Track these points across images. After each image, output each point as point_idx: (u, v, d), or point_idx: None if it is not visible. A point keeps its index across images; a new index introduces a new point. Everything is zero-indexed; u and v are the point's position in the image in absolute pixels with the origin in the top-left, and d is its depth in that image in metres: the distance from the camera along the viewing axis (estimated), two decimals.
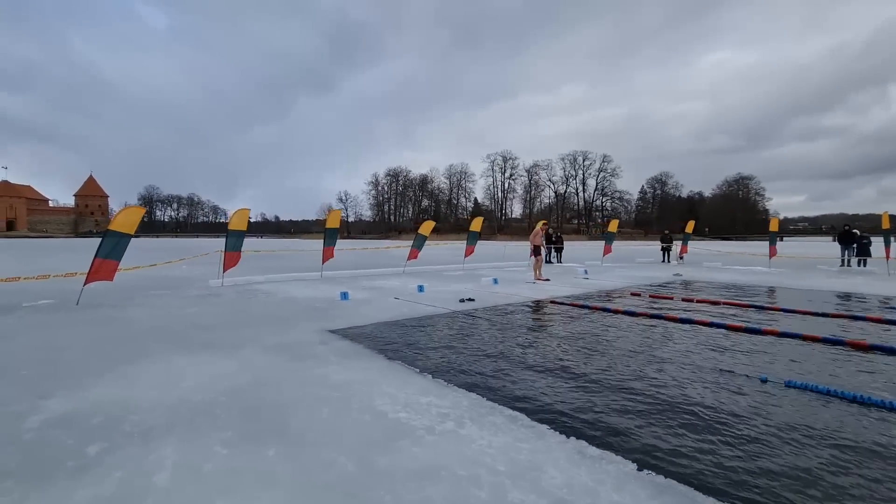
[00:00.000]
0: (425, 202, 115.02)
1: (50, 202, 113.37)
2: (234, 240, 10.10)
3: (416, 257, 13.42)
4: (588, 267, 14.79)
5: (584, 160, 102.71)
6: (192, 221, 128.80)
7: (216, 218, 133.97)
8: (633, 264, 17.57)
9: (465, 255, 14.65)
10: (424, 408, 2.93)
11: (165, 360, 4.05)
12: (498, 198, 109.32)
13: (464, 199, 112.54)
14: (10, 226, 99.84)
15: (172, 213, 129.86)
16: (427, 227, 14.23)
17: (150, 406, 2.95)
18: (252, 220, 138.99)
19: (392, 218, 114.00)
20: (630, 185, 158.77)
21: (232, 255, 10.08)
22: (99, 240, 7.58)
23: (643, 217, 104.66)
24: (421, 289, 9.05)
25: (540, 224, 12.74)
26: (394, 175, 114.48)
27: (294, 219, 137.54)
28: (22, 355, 4.22)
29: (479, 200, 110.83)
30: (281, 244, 44.06)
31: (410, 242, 13.81)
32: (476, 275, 12.51)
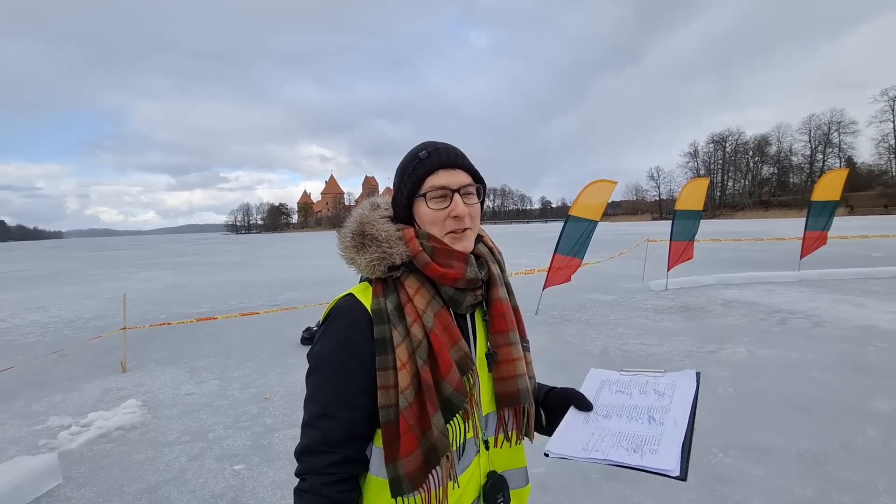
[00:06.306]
0: (766, 170, 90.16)
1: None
2: (687, 224, 7.25)
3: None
4: None
5: None
6: (504, 209, 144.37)
7: (524, 205, 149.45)
8: None
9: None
10: None
11: None
12: None
13: (836, 161, 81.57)
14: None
15: (489, 203, 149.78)
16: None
17: None
18: (554, 206, 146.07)
19: (719, 193, 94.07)
20: None
21: (681, 247, 7.29)
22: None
23: None
24: None
25: None
26: (720, 140, 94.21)
27: None
28: None
29: (861, 162, 78.23)
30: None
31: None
32: None
